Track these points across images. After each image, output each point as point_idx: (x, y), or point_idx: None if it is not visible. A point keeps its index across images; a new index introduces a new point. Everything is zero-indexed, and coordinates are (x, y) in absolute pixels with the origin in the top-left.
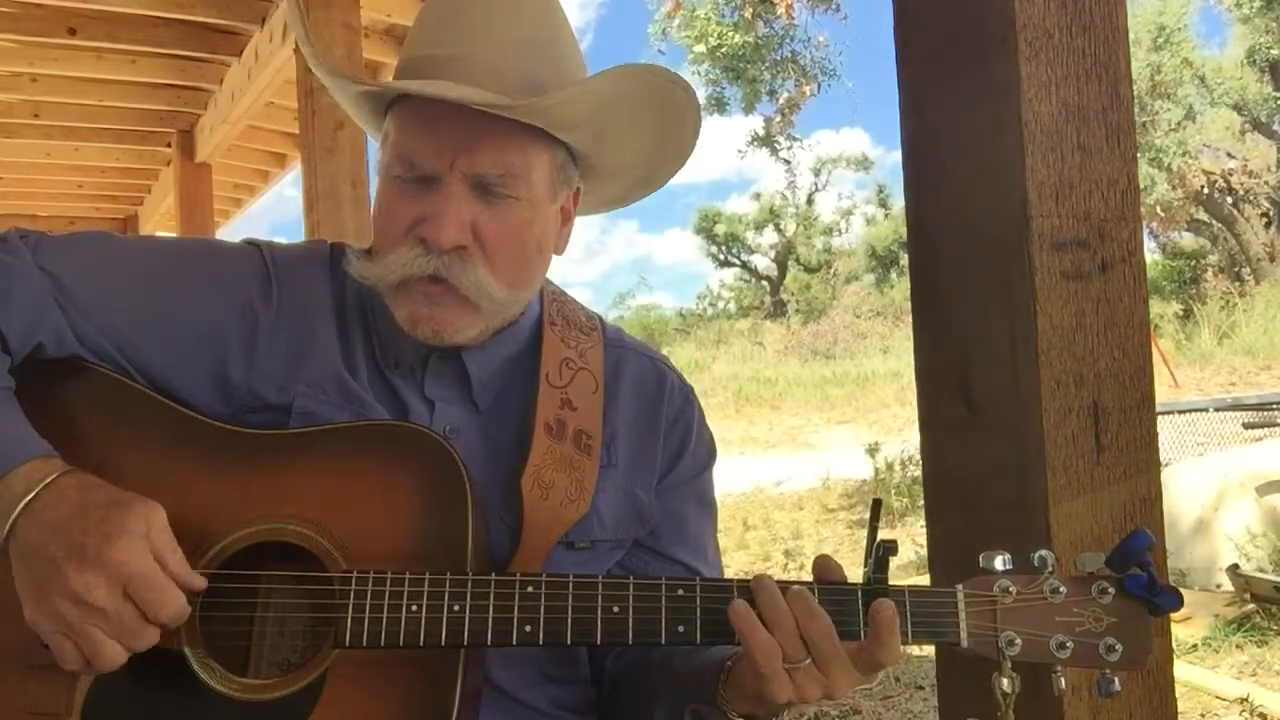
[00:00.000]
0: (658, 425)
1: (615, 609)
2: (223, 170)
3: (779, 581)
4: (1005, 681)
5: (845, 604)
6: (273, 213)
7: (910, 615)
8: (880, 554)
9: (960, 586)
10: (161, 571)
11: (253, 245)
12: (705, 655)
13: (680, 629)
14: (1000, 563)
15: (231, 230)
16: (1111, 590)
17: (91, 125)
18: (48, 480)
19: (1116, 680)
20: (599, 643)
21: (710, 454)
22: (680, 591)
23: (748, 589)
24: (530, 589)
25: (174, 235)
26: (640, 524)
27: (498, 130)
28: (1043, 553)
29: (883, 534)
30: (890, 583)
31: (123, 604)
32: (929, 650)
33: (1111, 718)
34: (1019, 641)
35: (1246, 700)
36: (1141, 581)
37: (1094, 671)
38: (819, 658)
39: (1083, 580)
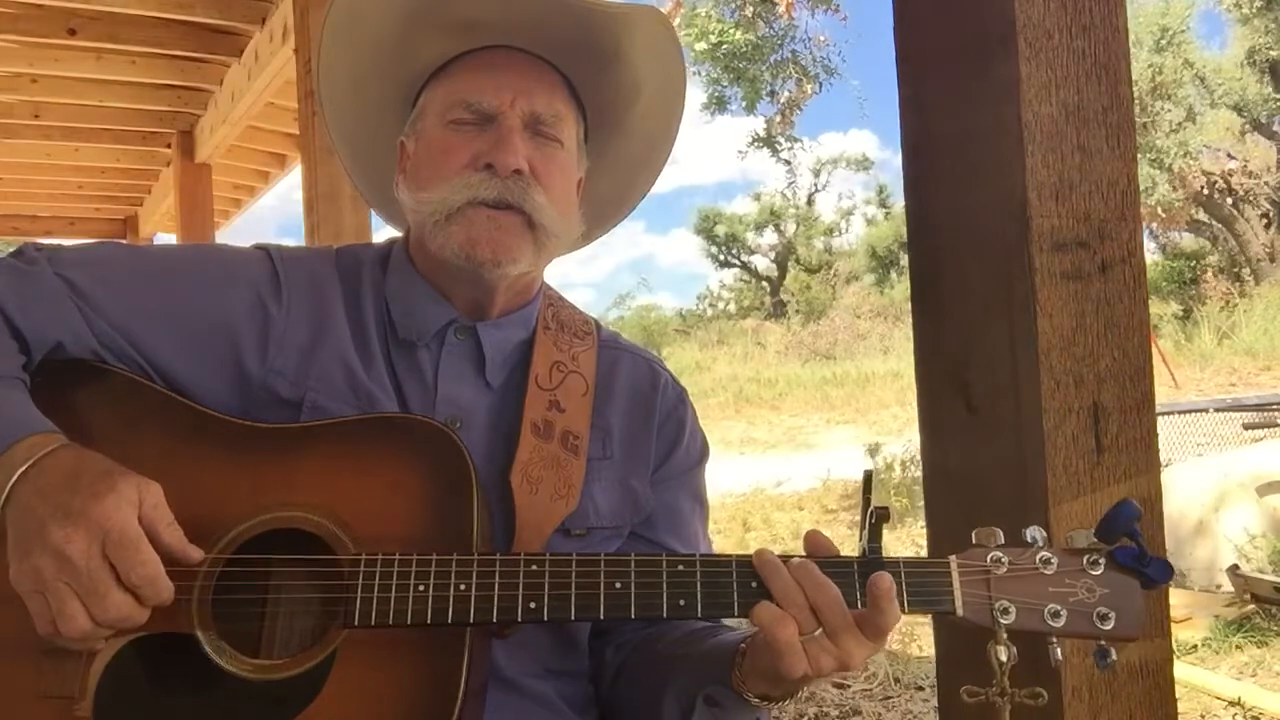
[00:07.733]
0: (651, 420)
1: (618, 584)
2: (223, 171)
3: (778, 555)
4: (1001, 650)
5: (843, 576)
6: (279, 215)
7: (906, 585)
8: (874, 521)
9: (953, 557)
10: (139, 530)
11: (260, 248)
12: (716, 640)
13: (681, 602)
14: (993, 537)
15: (235, 230)
16: (1102, 562)
17: (91, 126)
18: (46, 450)
19: (1113, 651)
20: (602, 617)
21: (703, 452)
22: (680, 567)
23: (748, 564)
24: (534, 567)
25: (182, 243)
26: (636, 512)
27: (546, 79)
28: (1034, 529)
29: (883, 537)
30: (885, 555)
31: (97, 561)
32: (929, 651)
33: (1112, 717)
34: (1013, 610)
35: (1239, 703)
36: (1132, 553)
37: (1091, 653)
38: (829, 627)
39: (1074, 552)
